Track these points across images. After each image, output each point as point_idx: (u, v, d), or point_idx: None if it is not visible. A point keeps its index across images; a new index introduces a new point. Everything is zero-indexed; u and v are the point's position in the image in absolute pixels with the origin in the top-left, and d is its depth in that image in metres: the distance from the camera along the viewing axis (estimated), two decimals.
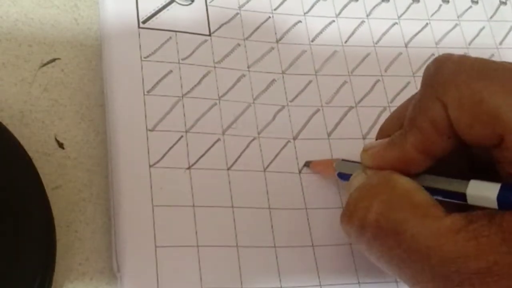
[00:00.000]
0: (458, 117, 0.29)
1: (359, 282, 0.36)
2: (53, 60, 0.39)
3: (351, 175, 0.35)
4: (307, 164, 0.39)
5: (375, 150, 0.33)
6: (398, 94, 0.42)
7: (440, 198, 0.31)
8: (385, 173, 0.32)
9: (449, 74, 0.30)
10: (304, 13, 0.43)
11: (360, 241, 0.31)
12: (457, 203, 0.30)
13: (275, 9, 0.43)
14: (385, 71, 0.43)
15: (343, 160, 0.37)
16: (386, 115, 0.41)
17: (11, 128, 0.35)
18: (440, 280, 0.28)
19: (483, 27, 0.47)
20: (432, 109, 0.30)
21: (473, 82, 0.29)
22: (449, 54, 0.31)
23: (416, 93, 0.32)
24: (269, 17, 0.43)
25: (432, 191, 0.31)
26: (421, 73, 0.42)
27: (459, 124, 0.29)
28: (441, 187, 0.31)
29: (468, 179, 0.30)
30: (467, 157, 0.33)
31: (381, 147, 0.33)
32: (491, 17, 0.47)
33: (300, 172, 0.38)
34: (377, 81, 0.42)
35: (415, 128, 0.31)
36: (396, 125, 0.34)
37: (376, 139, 0.36)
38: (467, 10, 0.47)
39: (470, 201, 0.29)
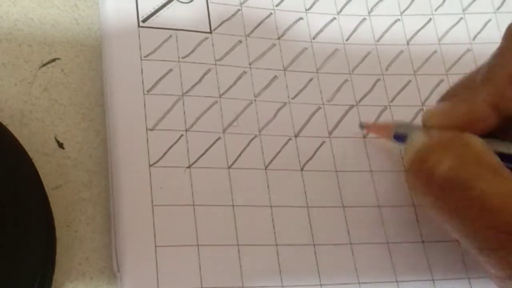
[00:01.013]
0: None
1: (359, 282, 0.36)
2: (53, 60, 0.39)
3: (407, 139, 0.35)
4: (363, 124, 0.39)
5: (440, 110, 0.34)
6: (399, 93, 0.42)
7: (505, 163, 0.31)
8: (456, 132, 0.32)
9: None
10: (306, 10, 0.43)
11: (427, 194, 0.32)
12: None
13: (276, 6, 0.43)
14: (386, 69, 0.42)
15: (400, 121, 0.37)
16: (387, 114, 0.41)
17: (11, 128, 0.35)
18: (503, 239, 0.29)
19: (489, 20, 0.46)
20: (511, 63, 0.30)
21: None
22: None
23: (495, 51, 0.32)
24: (271, 13, 0.42)
25: (499, 156, 0.31)
26: (422, 72, 0.43)
27: None
28: (507, 152, 0.32)
29: None
30: None
31: (448, 105, 0.33)
32: (498, 8, 0.46)
33: (302, 169, 0.38)
34: (378, 79, 0.42)
35: (490, 81, 0.31)
36: (459, 93, 0.34)
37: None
38: (473, 1, 0.46)
39: None
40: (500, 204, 0.29)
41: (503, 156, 0.31)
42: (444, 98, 0.36)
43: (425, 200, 0.32)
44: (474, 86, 0.33)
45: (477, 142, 0.31)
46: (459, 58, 0.44)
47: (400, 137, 0.36)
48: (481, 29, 0.45)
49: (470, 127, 0.32)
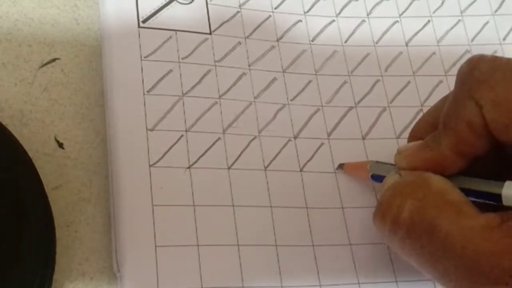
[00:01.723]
0: (494, 117, 0.29)
1: (359, 282, 0.36)
2: (53, 60, 0.39)
3: (384, 176, 0.35)
4: (341, 166, 0.39)
5: (410, 152, 0.33)
6: (398, 94, 0.42)
7: (473, 199, 0.31)
8: (419, 173, 0.32)
9: (483, 74, 0.30)
10: (305, 12, 0.43)
11: (393, 238, 0.31)
12: (490, 205, 0.30)
13: (275, 8, 0.43)
14: (385, 71, 0.43)
15: (377, 162, 0.37)
16: (386, 115, 0.41)
17: (11, 128, 0.35)
18: (474, 278, 0.28)
19: (487, 22, 0.46)
20: (466, 110, 0.30)
21: (508, 82, 0.29)
22: (482, 55, 0.31)
23: (449, 94, 0.33)
24: (270, 15, 0.43)
25: (466, 192, 0.31)
26: (421, 72, 0.43)
27: (495, 125, 0.29)
28: (475, 188, 0.31)
29: (503, 180, 0.30)
30: (502, 158, 0.33)
31: (416, 149, 0.33)
32: (496, 11, 0.46)
33: (301, 170, 0.38)
34: (377, 81, 0.42)
35: (449, 129, 0.31)
36: (428, 127, 0.34)
37: (408, 142, 0.36)
38: (471, 4, 0.46)
39: (505, 202, 0.30)
40: (464, 242, 0.28)
41: (471, 193, 0.31)
42: (413, 134, 0.36)
43: (393, 245, 0.32)
44: (438, 128, 0.33)
45: (439, 182, 0.31)
46: (458, 59, 0.44)
47: (377, 177, 0.36)
48: (479, 31, 0.46)
49: (438, 172, 0.32)
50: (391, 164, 0.35)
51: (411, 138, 0.36)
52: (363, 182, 0.39)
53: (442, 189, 0.31)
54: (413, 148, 0.33)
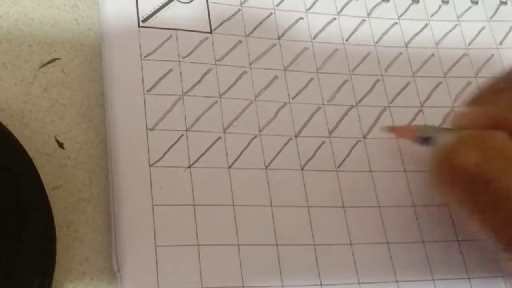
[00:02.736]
0: None
1: (359, 282, 0.36)
2: (53, 60, 0.39)
3: (431, 141, 0.35)
4: (387, 129, 0.40)
5: (470, 110, 0.35)
6: (398, 94, 0.42)
7: None
8: (482, 130, 0.33)
9: None
10: (306, 10, 0.43)
11: (454, 189, 0.32)
12: None
13: (276, 6, 0.43)
14: (386, 70, 0.43)
15: (426, 125, 0.38)
16: (386, 115, 0.41)
17: (11, 128, 0.35)
18: None
19: (483, 27, 0.46)
20: None
21: None
22: None
23: None
24: (271, 13, 0.42)
25: None
26: (421, 73, 0.43)
27: None
28: None
29: None
30: None
31: (476, 108, 0.34)
32: (491, 17, 0.47)
33: (302, 169, 0.38)
34: (378, 80, 0.42)
35: None
36: (491, 93, 0.35)
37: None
38: (466, 10, 0.47)
39: None
40: None
41: None
42: (471, 101, 0.37)
43: (453, 197, 0.33)
44: (500, 89, 0.34)
45: (502, 138, 0.32)
46: (456, 62, 0.44)
47: (425, 140, 0.37)
48: (476, 36, 0.46)
49: (498, 128, 0.33)
50: (442, 128, 0.36)
51: (471, 102, 0.37)
52: (412, 143, 0.39)
53: (506, 145, 0.32)
54: (473, 109, 0.35)
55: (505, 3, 0.48)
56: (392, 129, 0.40)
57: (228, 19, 0.41)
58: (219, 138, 0.38)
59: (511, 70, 0.35)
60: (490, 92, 0.35)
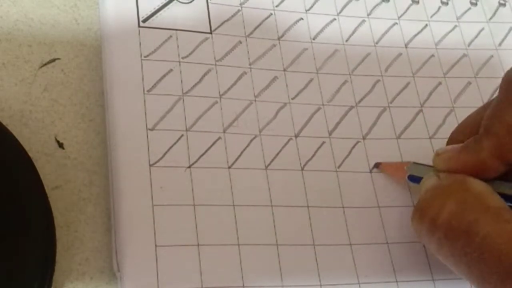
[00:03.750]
0: None
1: (359, 282, 0.36)
2: (53, 60, 0.39)
3: (421, 178, 0.35)
4: (377, 165, 0.39)
5: (449, 154, 0.34)
6: (398, 94, 0.42)
7: (511, 204, 0.31)
8: (459, 176, 0.33)
9: None
10: (306, 11, 0.43)
11: (431, 239, 0.32)
12: None
13: (276, 6, 0.43)
14: (385, 71, 0.43)
15: (414, 163, 0.37)
16: (386, 115, 0.41)
17: (11, 128, 0.35)
18: (510, 282, 0.28)
19: (482, 29, 0.46)
20: (509, 115, 0.31)
21: None
22: None
23: (493, 99, 0.33)
24: (271, 14, 0.43)
25: (505, 197, 0.31)
26: (421, 74, 0.43)
27: None
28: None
29: None
30: None
31: (455, 151, 0.34)
32: (490, 19, 0.47)
33: (302, 169, 0.38)
34: (377, 81, 0.42)
35: (491, 133, 0.32)
36: (468, 132, 0.35)
37: (447, 145, 0.37)
38: (466, 11, 0.47)
39: None
40: (502, 247, 0.29)
41: (509, 198, 0.32)
42: (452, 137, 0.37)
43: (430, 246, 0.33)
44: (479, 132, 0.33)
45: (479, 186, 0.32)
46: (456, 62, 0.44)
47: (414, 178, 0.37)
48: (475, 37, 0.46)
49: (477, 175, 0.32)
50: (429, 166, 0.35)
51: (450, 141, 0.37)
52: (399, 182, 0.39)
53: (481, 193, 0.31)
54: (453, 150, 0.34)
55: (504, 4, 0.48)
56: (381, 166, 0.39)
57: (228, 20, 0.41)
58: (219, 138, 0.38)
59: (486, 105, 0.35)
60: (469, 130, 0.35)
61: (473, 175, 0.32)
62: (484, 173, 0.32)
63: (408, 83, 0.43)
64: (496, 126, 0.32)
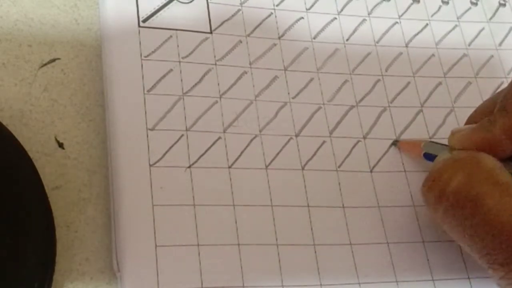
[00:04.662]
0: None
1: (359, 282, 0.36)
2: (53, 60, 0.39)
3: (436, 156, 0.36)
4: (395, 143, 0.40)
5: (463, 133, 0.35)
6: (398, 94, 0.42)
7: None
8: (472, 151, 0.34)
9: None
10: (306, 10, 0.43)
11: (437, 208, 0.33)
12: None
13: (277, 5, 0.43)
14: (386, 70, 0.43)
15: (431, 141, 0.38)
16: (386, 115, 0.41)
17: (11, 128, 0.35)
18: (509, 254, 0.30)
19: (483, 28, 0.46)
20: None
21: None
22: None
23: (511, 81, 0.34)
24: (271, 13, 0.42)
25: None
26: (421, 73, 0.43)
27: None
28: None
29: None
30: None
31: (470, 130, 0.35)
32: (490, 19, 0.47)
33: (303, 169, 0.38)
34: (378, 80, 0.42)
35: (506, 112, 0.32)
36: (485, 114, 0.35)
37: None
38: (466, 11, 0.47)
39: None
40: (506, 221, 0.30)
41: None
42: (469, 120, 0.38)
43: (436, 215, 0.33)
44: (493, 112, 0.34)
45: (489, 161, 0.32)
46: (456, 62, 0.44)
47: (430, 156, 0.37)
48: (476, 36, 0.46)
49: (488, 152, 0.33)
50: (445, 145, 0.36)
51: (468, 123, 0.37)
52: (416, 159, 0.40)
53: (491, 168, 0.32)
54: (467, 129, 0.35)
55: (504, 4, 0.48)
56: (398, 143, 0.40)
57: (228, 19, 0.41)
58: (219, 138, 0.38)
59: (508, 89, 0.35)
60: (484, 112, 0.36)
61: (486, 153, 0.33)
62: (496, 151, 0.33)
63: (408, 83, 0.43)
64: (510, 105, 0.32)
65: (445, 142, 0.37)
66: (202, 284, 0.34)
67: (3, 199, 0.33)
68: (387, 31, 0.44)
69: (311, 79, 0.41)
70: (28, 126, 0.37)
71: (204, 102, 0.39)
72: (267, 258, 0.36)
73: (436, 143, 0.38)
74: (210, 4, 0.41)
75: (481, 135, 0.34)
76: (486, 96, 0.43)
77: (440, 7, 0.46)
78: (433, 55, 0.44)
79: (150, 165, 0.36)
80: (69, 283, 0.34)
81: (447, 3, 0.46)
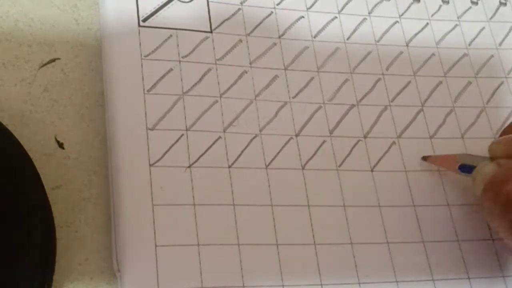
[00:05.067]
0: None
1: (359, 282, 0.36)
2: (53, 60, 0.39)
3: (472, 168, 0.36)
4: (425, 158, 0.40)
5: (506, 140, 0.35)
6: (399, 93, 0.42)
7: None
8: None
9: None
10: (307, 9, 0.43)
11: (503, 217, 0.33)
12: None
13: (277, 4, 0.43)
14: (386, 69, 0.43)
15: (467, 154, 0.38)
16: (387, 114, 0.41)
17: (11, 128, 0.35)
18: None
19: (483, 28, 0.46)
20: None
21: None
22: None
23: None
24: (271, 12, 0.42)
25: None
26: (421, 73, 0.43)
27: None
28: None
29: None
30: None
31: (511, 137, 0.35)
32: (490, 18, 0.47)
33: (303, 168, 0.38)
34: (378, 79, 0.42)
35: None
36: None
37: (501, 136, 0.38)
38: (467, 10, 0.47)
39: None
40: None
41: None
42: (505, 131, 0.38)
43: (502, 223, 0.34)
44: None
45: None
46: (456, 62, 0.44)
47: (465, 168, 0.37)
48: (476, 36, 0.46)
49: None
50: (481, 156, 0.36)
51: (504, 133, 0.38)
52: (450, 172, 0.40)
53: None
54: (508, 138, 0.36)
55: (505, 4, 0.48)
56: (432, 159, 0.40)
57: (228, 19, 0.41)
58: (219, 137, 0.38)
59: None
60: None
61: None
62: None
63: (409, 82, 0.43)
64: None
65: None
66: (202, 284, 0.34)
67: (3, 199, 0.33)
68: (387, 30, 0.44)
69: (312, 79, 0.41)
70: (28, 126, 0.37)
71: (204, 102, 0.39)
72: (267, 258, 0.36)
73: (472, 155, 0.38)
74: (210, 3, 0.41)
75: None
76: (486, 96, 0.43)
77: (440, 6, 0.46)
78: (433, 54, 0.44)
79: (150, 165, 0.36)
80: (69, 283, 0.34)
81: (448, 2, 0.46)
